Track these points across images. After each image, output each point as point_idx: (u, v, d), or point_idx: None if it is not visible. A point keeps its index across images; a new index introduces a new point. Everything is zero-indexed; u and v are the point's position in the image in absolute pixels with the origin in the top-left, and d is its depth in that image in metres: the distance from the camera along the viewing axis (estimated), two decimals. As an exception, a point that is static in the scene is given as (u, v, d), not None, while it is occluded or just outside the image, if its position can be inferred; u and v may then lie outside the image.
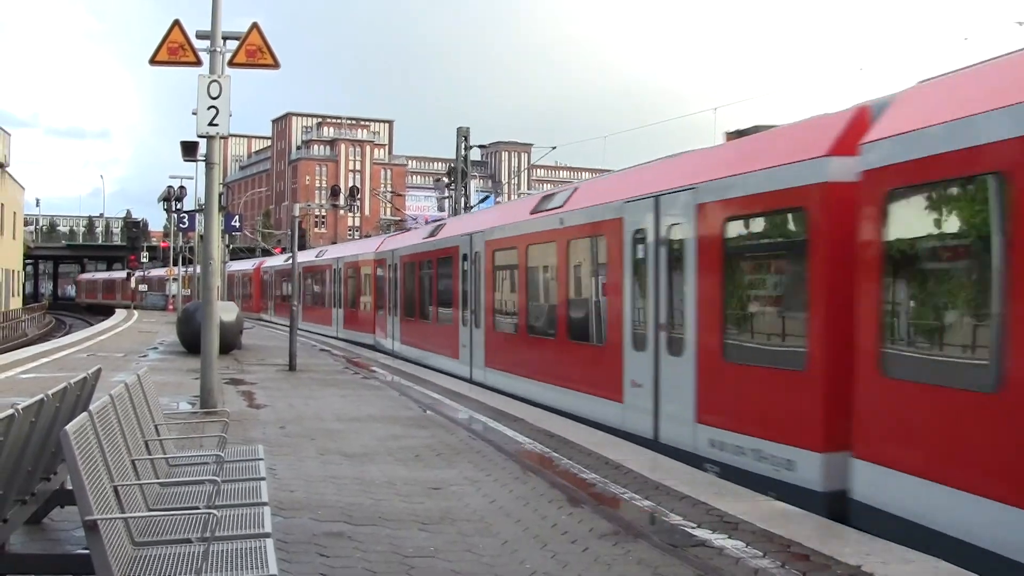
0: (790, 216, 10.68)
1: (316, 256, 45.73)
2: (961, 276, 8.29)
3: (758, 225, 11.60)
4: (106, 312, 67.25)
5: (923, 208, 8.47)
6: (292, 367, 22.55)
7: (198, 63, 15.00)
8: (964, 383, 7.86)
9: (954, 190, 8.18)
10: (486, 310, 20.62)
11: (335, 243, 70.29)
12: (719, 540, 7.62)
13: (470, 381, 20.85)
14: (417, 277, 27.21)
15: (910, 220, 8.66)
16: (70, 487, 5.74)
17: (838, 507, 9.05)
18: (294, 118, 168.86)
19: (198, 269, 37.31)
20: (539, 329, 17.85)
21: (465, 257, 22.02)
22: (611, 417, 14.32)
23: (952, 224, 8.25)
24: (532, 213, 18.27)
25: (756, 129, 12.61)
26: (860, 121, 9.68)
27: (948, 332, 8.36)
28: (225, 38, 15.11)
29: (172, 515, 6.01)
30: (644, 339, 13.56)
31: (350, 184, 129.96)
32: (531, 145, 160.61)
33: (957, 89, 8.56)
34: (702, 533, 7.84)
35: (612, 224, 14.74)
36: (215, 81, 14.61)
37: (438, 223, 28.44)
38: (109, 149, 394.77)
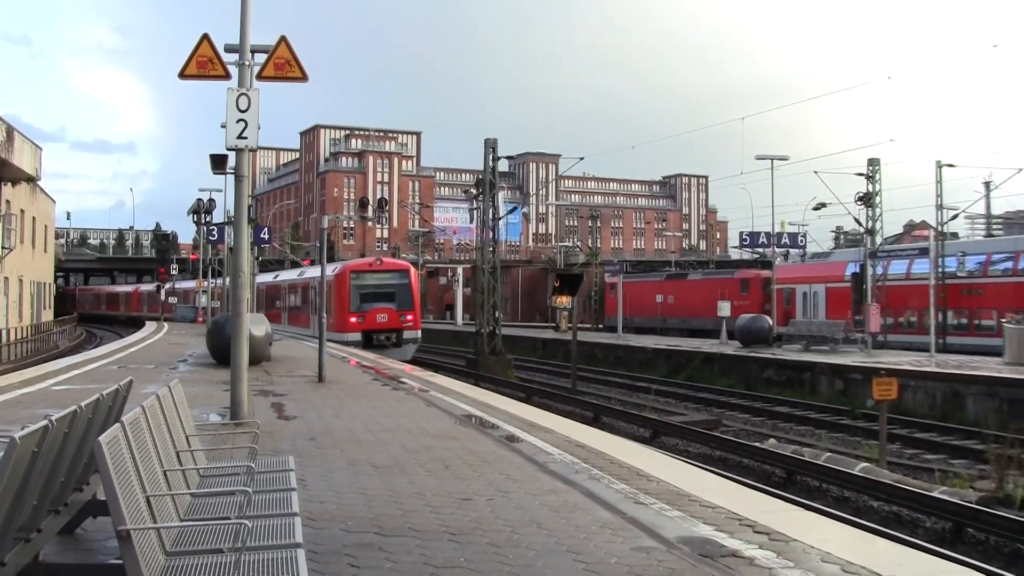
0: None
1: (298, 275, 59.13)
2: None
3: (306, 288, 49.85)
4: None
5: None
6: (321, 379, 22.61)
7: (227, 76, 15.03)
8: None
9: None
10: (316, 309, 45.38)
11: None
12: (750, 550, 7.58)
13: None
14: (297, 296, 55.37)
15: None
16: (103, 497, 5.77)
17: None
18: (322, 130, 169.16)
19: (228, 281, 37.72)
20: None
21: (307, 287, 51.52)
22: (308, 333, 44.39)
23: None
24: (297, 276, 55.90)
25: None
26: (347, 267, 46.44)
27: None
28: (253, 51, 15.13)
29: (204, 525, 6.03)
30: (311, 312, 46.68)
31: (378, 196, 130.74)
32: (559, 156, 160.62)
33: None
34: (733, 543, 7.80)
35: (306, 283, 49.92)
36: (244, 94, 14.65)
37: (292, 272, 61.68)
38: (135, 162, 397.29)
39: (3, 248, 47.95)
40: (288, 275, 57.74)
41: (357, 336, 42.48)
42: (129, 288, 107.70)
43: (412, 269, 46.16)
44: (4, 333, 49.74)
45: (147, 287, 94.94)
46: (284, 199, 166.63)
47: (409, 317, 43.80)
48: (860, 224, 44.45)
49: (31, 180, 53.89)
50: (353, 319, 42.77)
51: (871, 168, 43.52)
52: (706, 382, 39.07)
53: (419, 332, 45.33)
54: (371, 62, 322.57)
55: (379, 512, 8.85)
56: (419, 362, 42.59)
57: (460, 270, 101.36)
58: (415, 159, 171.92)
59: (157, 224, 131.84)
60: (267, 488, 7.04)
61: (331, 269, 46.09)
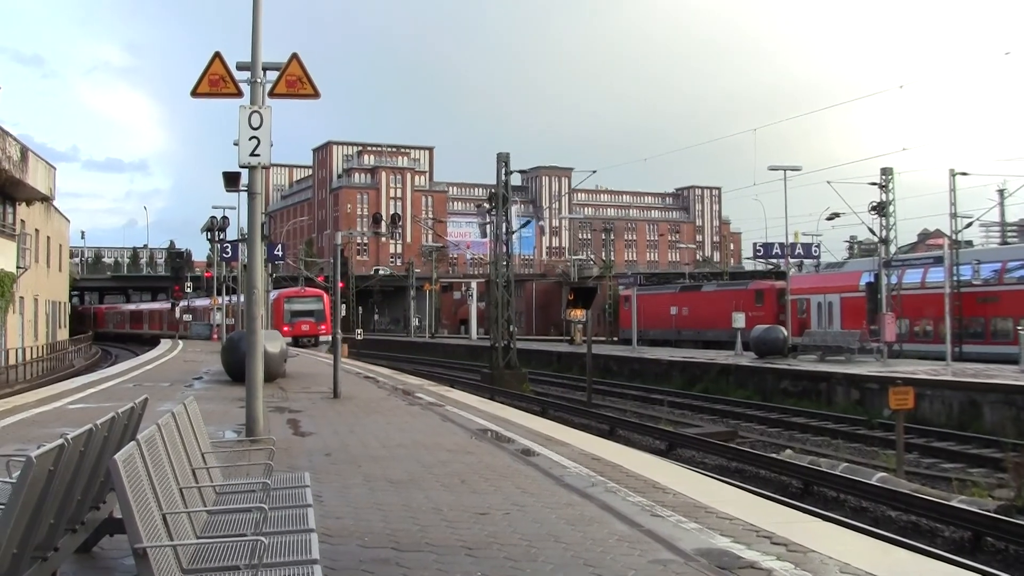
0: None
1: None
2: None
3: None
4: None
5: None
6: (336, 395, 22.62)
7: (239, 94, 15.03)
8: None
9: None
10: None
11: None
12: (768, 562, 7.54)
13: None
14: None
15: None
16: (119, 516, 5.76)
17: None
18: (335, 147, 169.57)
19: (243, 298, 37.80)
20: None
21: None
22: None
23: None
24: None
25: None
26: (282, 294, 65.67)
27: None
28: (265, 69, 15.13)
29: (220, 542, 6.03)
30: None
31: (392, 211, 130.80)
32: (571, 169, 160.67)
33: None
34: (750, 555, 7.76)
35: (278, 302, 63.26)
36: (256, 112, 14.66)
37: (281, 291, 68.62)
38: (148, 181, 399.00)
39: (19, 267, 48.17)
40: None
41: (289, 340, 64.63)
42: (146, 306, 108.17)
43: (325, 295, 64.53)
44: (20, 352, 49.90)
45: (162, 305, 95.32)
46: (297, 216, 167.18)
47: (323, 327, 63.05)
48: (874, 233, 44.36)
49: (45, 200, 54.21)
50: (286, 328, 60.10)
51: (884, 177, 43.43)
52: (722, 394, 38.94)
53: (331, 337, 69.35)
54: (382, 79, 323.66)
55: (396, 527, 8.84)
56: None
57: (474, 284, 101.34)
58: (428, 174, 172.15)
59: (171, 242, 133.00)
60: (283, 504, 7.04)
61: (272, 296, 65.04)
